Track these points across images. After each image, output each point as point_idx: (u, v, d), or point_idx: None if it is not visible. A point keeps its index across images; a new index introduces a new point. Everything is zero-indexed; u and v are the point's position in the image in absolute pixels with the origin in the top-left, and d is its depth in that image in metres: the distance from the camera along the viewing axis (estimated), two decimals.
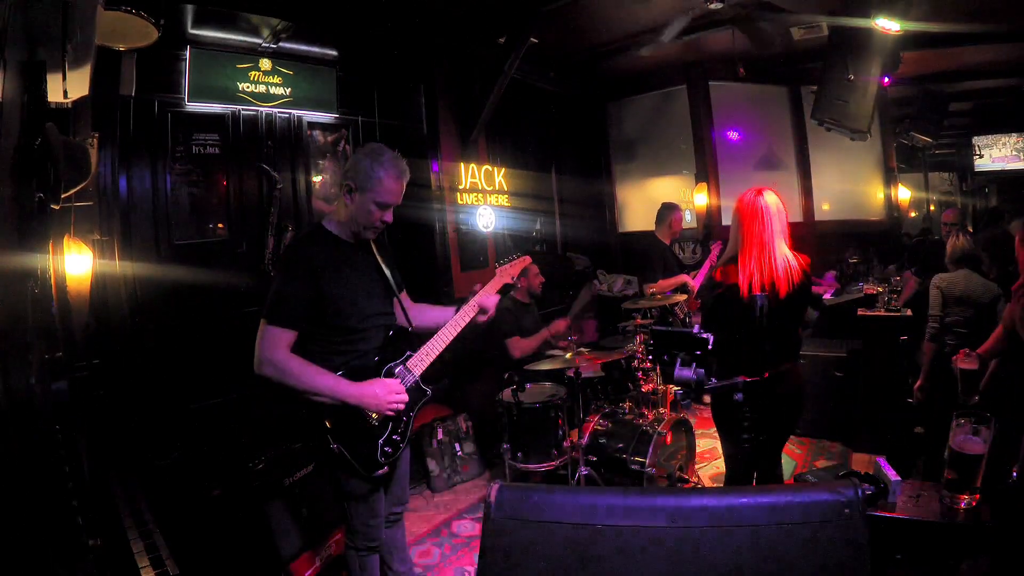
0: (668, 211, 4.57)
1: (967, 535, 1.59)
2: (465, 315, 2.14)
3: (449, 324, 2.12)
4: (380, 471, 1.94)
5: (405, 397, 1.96)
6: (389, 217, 1.97)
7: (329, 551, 2.87)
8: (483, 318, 2.19)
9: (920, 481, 1.84)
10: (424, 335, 2.15)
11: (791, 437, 4.11)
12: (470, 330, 2.19)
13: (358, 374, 1.92)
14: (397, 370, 2.01)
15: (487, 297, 2.19)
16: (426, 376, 2.08)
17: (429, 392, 2.08)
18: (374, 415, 1.91)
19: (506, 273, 2.36)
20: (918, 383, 3.23)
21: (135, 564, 2.08)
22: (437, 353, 2.09)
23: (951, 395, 2.65)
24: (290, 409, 1.95)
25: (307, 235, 2.15)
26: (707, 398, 3.24)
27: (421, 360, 2.05)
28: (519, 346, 3.75)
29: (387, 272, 2.10)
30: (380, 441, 1.93)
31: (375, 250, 2.09)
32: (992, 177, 9.27)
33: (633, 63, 5.72)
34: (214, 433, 3.21)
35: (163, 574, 2.06)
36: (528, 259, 2.49)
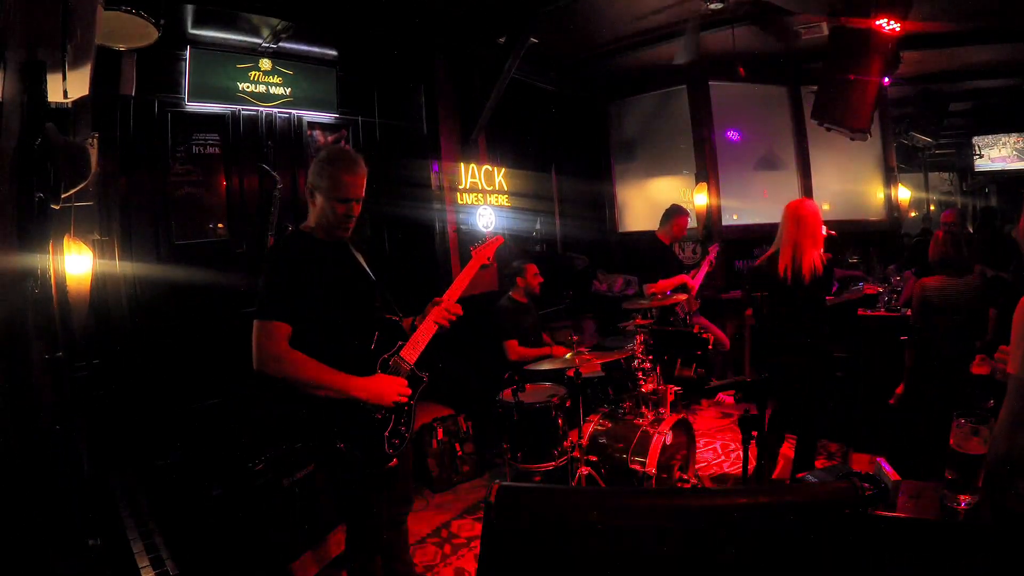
0: (675, 214, 4.59)
1: (967, 535, 1.59)
2: (428, 328, 2.14)
3: (417, 331, 2.12)
4: (390, 463, 1.96)
5: (408, 390, 1.99)
6: (354, 212, 2.00)
7: (329, 551, 2.87)
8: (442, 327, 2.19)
9: (920, 481, 1.84)
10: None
11: (791, 438, 4.11)
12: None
13: (355, 368, 1.92)
14: (392, 361, 2.02)
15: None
16: (420, 363, 2.10)
17: (425, 379, 2.10)
18: (370, 406, 1.92)
19: (481, 255, 2.49)
20: (899, 389, 3.21)
21: (135, 564, 2.08)
22: (427, 341, 2.11)
23: (950, 395, 2.65)
24: (290, 409, 1.95)
25: (287, 238, 2.20)
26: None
27: (413, 349, 2.08)
28: (517, 351, 3.80)
29: (367, 269, 2.12)
30: (386, 433, 1.96)
31: (352, 248, 2.11)
32: (992, 177, 9.27)
33: (633, 63, 5.72)
34: (214, 433, 3.21)
35: (163, 574, 2.05)
36: (501, 239, 2.60)
